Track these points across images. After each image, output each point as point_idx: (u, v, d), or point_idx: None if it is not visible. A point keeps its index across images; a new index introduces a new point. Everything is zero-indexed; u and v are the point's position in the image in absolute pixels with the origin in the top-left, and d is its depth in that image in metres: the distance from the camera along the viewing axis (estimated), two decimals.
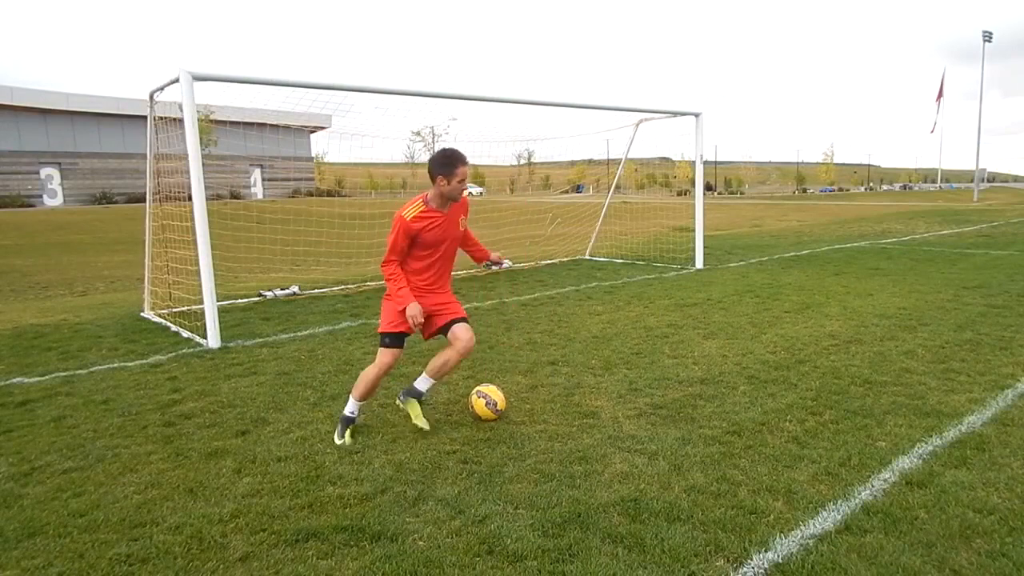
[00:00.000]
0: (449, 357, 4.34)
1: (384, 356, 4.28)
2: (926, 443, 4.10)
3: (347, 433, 4.29)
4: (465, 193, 4.31)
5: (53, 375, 5.98)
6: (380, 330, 4.32)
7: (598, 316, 8.17)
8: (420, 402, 4.54)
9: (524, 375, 5.71)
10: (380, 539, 3.14)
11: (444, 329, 4.37)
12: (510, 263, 12.70)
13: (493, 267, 4.75)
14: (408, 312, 4.07)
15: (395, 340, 4.29)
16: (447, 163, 4.10)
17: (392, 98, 9.19)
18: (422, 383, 4.48)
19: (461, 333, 4.31)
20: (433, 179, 4.14)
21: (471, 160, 4.43)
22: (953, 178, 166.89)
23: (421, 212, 4.16)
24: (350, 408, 4.36)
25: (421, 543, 3.10)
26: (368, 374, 4.34)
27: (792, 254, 14.67)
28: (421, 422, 4.45)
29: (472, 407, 4.62)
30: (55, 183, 46.63)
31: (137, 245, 11.00)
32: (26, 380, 5.84)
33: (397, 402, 4.72)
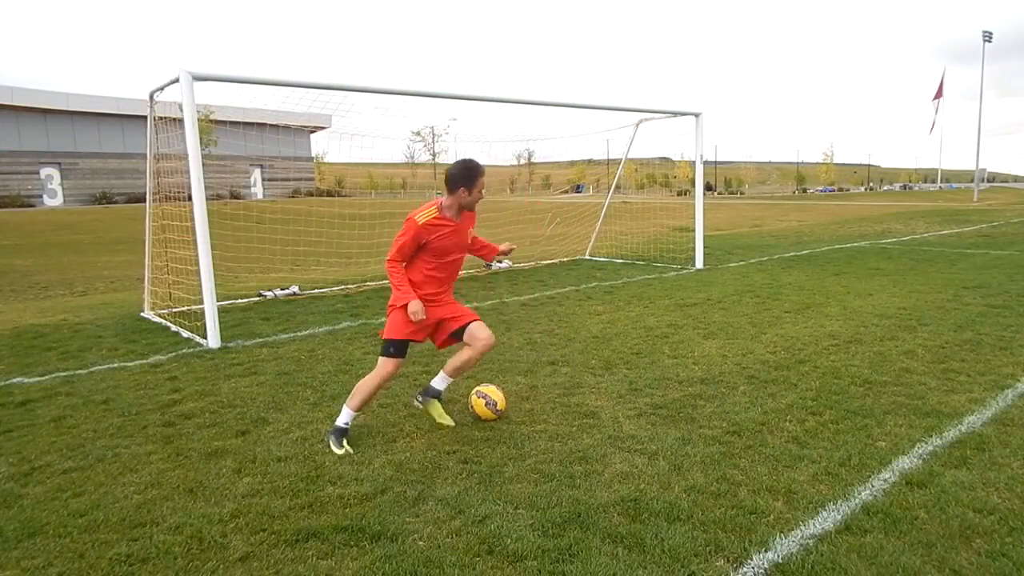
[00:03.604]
0: (470, 356, 4.36)
1: (386, 366, 4.22)
2: (926, 443, 4.10)
3: (344, 442, 4.21)
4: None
5: (53, 375, 5.98)
6: (385, 335, 4.24)
7: (598, 316, 8.17)
8: (439, 400, 4.58)
9: (524, 375, 5.71)
10: (380, 539, 3.14)
11: (458, 334, 4.37)
12: (510, 262, 12.73)
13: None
14: (410, 308, 4.05)
15: (399, 349, 4.23)
16: (469, 175, 4.17)
17: (392, 98, 9.19)
18: (440, 382, 4.52)
19: (479, 332, 4.33)
20: (453, 190, 4.17)
21: None
22: (953, 178, 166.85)
23: (434, 218, 4.15)
24: (344, 418, 4.25)
25: (421, 543, 3.10)
26: (366, 384, 4.26)
27: (792, 254, 14.68)
28: (445, 420, 4.50)
29: (472, 407, 4.62)
30: (55, 183, 46.60)
31: (137, 245, 11.01)
32: (26, 380, 5.84)
33: (415, 403, 4.70)
